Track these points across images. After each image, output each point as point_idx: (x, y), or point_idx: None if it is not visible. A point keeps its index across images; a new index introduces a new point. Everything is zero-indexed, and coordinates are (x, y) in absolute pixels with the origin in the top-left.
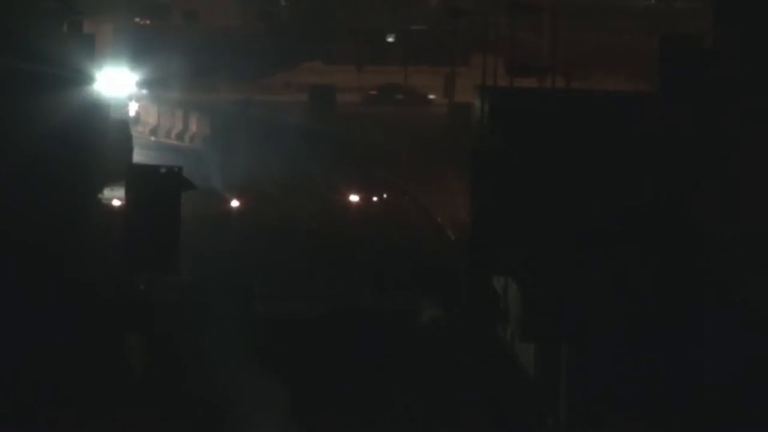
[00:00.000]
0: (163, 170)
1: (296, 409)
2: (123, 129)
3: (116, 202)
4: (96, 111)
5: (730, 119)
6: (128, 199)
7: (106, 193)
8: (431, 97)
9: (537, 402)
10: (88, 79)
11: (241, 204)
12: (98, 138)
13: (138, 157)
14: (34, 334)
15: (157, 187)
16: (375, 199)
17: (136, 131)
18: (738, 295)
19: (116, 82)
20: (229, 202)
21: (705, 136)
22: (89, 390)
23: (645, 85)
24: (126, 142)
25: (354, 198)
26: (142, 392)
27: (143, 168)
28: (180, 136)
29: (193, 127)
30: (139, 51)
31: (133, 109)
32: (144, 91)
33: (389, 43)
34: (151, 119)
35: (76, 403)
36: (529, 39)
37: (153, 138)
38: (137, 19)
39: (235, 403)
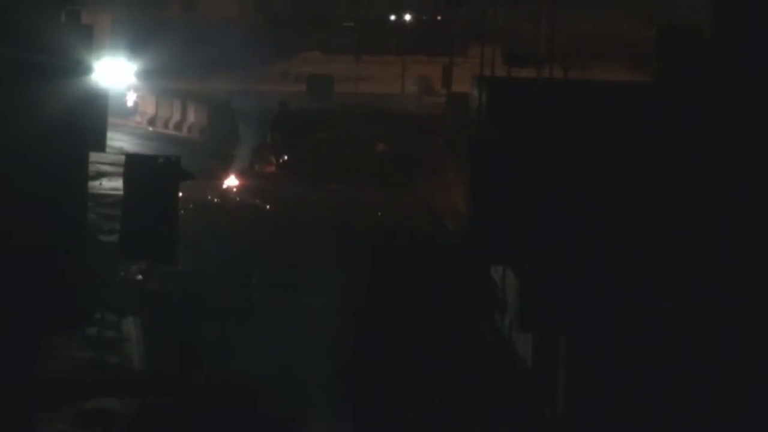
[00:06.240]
0: (160, 160)
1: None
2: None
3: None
4: (94, 101)
5: (730, 108)
6: (126, 188)
7: (105, 182)
8: None
9: (534, 392)
10: (87, 70)
11: (238, 192)
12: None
13: (136, 147)
14: (29, 326)
15: (155, 177)
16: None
17: (134, 121)
18: (735, 288)
19: (115, 73)
20: (227, 191)
21: (704, 126)
22: (87, 381)
23: (643, 74)
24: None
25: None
26: (139, 382)
27: (141, 158)
28: (178, 126)
29: (191, 117)
30: (138, 41)
31: (131, 99)
32: (142, 81)
33: (387, 33)
34: (149, 109)
35: (74, 395)
36: (527, 29)
37: (151, 128)
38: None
39: (233, 392)
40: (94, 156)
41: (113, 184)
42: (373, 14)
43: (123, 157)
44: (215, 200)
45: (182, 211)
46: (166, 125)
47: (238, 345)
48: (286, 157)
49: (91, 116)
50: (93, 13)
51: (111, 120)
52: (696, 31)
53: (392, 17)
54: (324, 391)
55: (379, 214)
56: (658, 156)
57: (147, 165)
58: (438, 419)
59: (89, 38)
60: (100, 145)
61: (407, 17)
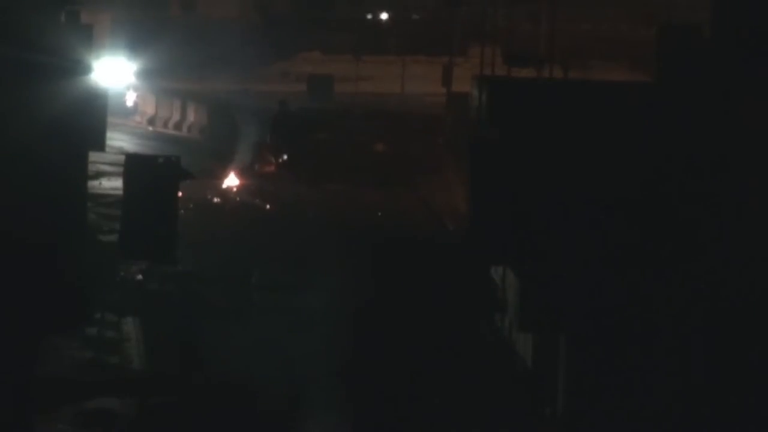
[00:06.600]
0: (160, 160)
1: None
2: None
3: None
4: (93, 101)
5: (730, 108)
6: (125, 188)
7: (104, 182)
8: None
9: (534, 392)
10: (86, 70)
11: (238, 192)
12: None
13: (136, 147)
14: (29, 326)
15: (155, 177)
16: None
17: (134, 121)
18: (735, 288)
19: (114, 72)
20: (227, 191)
21: (704, 126)
22: (87, 381)
23: (643, 74)
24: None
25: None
26: (139, 382)
27: (140, 158)
28: (178, 126)
29: (191, 116)
30: (137, 41)
31: (131, 99)
32: (141, 81)
33: (387, 33)
34: (149, 109)
35: (74, 395)
36: (527, 29)
37: (150, 128)
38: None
39: (233, 392)
40: (94, 156)
41: (113, 184)
42: (373, 14)
43: (123, 157)
44: (215, 200)
45: (182, 211)
46: (165, 125)
47: (238, 345)
48: (286, 157)
49: (91, 116)
50: (93, 13)
51: (111, 120)
52: (696, 31)
53: (369, 16)
54: (324, 391)
55: (379, 214)
56: (658, 156)
57: (147, 165)
58: (438, 419)
59: (89, 38)
60: (100, 145)
61: (383, 16)
